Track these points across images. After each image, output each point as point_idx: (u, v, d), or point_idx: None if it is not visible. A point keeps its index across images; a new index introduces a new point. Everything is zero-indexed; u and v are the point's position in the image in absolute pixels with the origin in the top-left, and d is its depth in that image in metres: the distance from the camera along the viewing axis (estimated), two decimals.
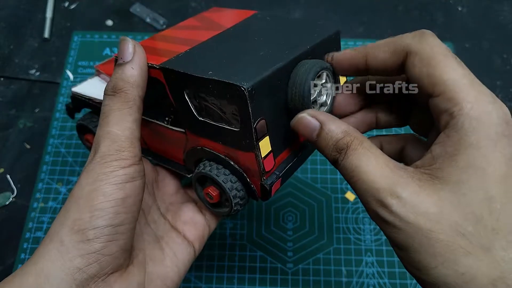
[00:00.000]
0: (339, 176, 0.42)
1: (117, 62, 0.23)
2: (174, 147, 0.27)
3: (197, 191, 0.27)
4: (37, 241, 0.39)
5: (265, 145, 0.22)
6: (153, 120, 0.27)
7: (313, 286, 0.37)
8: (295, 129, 0.22)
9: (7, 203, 0.41)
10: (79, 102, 0.32)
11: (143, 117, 0.25)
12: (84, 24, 0.52)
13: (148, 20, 0.51)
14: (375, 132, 0.44)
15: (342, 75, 0.26)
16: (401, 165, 0.19)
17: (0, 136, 0.45)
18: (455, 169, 0.17)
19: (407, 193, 0.18)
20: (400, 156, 0.25)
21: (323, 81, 0.24)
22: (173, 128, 0.26)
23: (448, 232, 0.17)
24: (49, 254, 0.19)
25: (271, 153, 0.23)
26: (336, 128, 0.21)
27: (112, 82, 0.23)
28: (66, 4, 0.53)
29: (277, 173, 0.24)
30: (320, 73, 0.23)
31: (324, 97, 0.24)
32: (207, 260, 0.38)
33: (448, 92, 0.18)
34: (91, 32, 0.51)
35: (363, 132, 0.25)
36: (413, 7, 0.53)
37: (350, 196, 0.41)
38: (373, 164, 0.19)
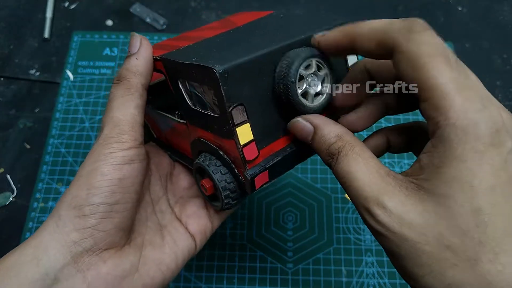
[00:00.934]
0: None
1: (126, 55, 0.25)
2: (184, 140, 0.27)
3: (198, 183, 0.26)
4: None
5: (244, 133, 0.21)
6: (167, 115, 0.27)
7: (313, 286, 0.37)
8: (291, 132, 0.22)
9: (7, 203, 0.41)
10: None
11: (162, 113, 0.26)
12: (84, 24, 0.52)
13: (148, 20, 0.51)
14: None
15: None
16: (392, 172, 0.19)
17: (0, 136, 0.45)
18: (440, 182, 0.17)
19: (392, 203, 0.18)
20: (409, 147, 0.24)
21: (312, 70, 0.22)
22: (179, 120, 0.26)
23: (434, 244, 0.17)
24: (48, 228, 0.21)
25: (253, 142, 0.22)
26: (328, 133, 0.20)
27: (118, 72, 0.24)
28: (66, 4, 0.53)
29: (263, 164, 0.22)
30: (307, 62, 0.22)
31: (319, 86, 0.23)
32: (207, 260, 0.38)
33: (434, 98, 0.17)
34: (91, 32, 0.51)
35: (375, 120, 0.24)
36: (413, 7, 0.53)
37: None
38: (362, 171, 0.19)
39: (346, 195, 0.41)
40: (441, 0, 0.53)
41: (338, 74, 0.24)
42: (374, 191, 0.18)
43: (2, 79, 0.49)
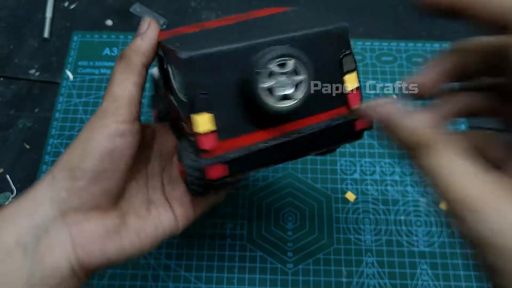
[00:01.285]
0: (339, 176, 0.42)
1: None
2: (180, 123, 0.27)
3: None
4: None
5: (204, 121, 0.21)
6: (172, 99, 0.26)
7: (313, 287, 0.37)
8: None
9: (6, 203, 0.41)
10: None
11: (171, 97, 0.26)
12: (84, 24, 0.52)
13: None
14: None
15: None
16: (493, 171, 0.17)
17: (0, 136, 0.45)
18: None
19: (496, 210, 0.15)
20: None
21: (287, 70, 0.21)
22: (174, 101, 0.26)
23: None
24: (43, 185, 0.23)
25: (213, 132, 0.21)
26: (419, 120, 0.18)
27: (122, 51, 0.26)
28: (66, 4, 0.53)
29: (221, 157, 0.22)
30: (283, 60, 0.20)
31: (289, 90, 0.21)
32: (207, 261, 0.38)
33: None
34: (91, 32, 0.51)
35: (456, 117, 0.21)
36: (413, 7, 0.53)
37: (350, 196, 0.41)
38: (456, 170, 0.16)
39: (347, 195, 0.41)
40: None
41: (325, 80, 0.23)
42: (472, 194, 0.16)
43: (1, 79, 0.49)
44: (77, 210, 0.23)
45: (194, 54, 0.20)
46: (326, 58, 0.23)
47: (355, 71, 0.23)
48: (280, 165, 0.42)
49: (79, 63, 0.48)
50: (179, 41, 0.23)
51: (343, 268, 0.38)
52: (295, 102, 0.21)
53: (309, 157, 0.43)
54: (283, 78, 0.21)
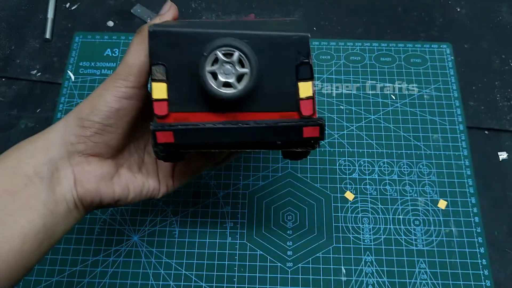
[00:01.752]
0: (338, 175, 0.42)
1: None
2: None
3: None
4: None
5: (159, 89, 0.24)
6: None
7: (312, 285, 0.38)
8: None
9: None
10: None
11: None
12: (85, 25, 0.52)
13: (149, 21, 0.52)
14: None
15: None
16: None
17: (2, 136, 0.45)
18: None
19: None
20: None
21: (231, 60, 0.23)
22: None
23: None
24: (57, 127, 0.27)
25: (165, 101, 0.24)
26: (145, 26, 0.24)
27: (141, 26, 0.28)
28: (67, 4, 0.54)
29: (170, 125, 0.24)
30: (229, 50, 0.23)
31: (231, 78, 0.23)
32: (208, 259, 0.39)
33: None
34: (92, 33, 0.51)
35: None
36: (412, 8, 0.53)
37: (349, 195, 0.41)
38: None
39: (346, 195, 0.41)
40: (440, 0, 0.54)
41: (277, 81, 0.24)
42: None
43: (3, 79, 0.49)
44: (81, 154, 0.27)
45: (158, 29, 0.24)
46: (284, 62, 0.24)
47: (311, 81, 0.24)
48: (280, 165, 0.43)
49: (81, 64, 0.49)
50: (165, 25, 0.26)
51: (342, 267, 0.38)
52: (236, 91, 0.23)
53: (308, 157, 0.43)
54: (227, 67, 0.23)
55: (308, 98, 0.24)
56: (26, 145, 0.27)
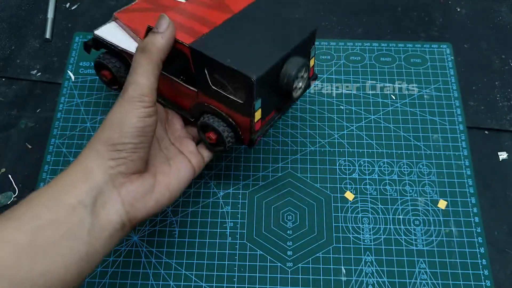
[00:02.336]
0: (338, 175, 0.42)
1: (152, 30, 0.31)
2: (183, 98, 0.36)
3: (200, 134, 0.36)
4: None
5: (258, 115, 0.32)
6: (169, 76, 0.35)
7: (312, 285, 0.38)
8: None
9: (8, 202, 0.42)
10: (99, 43, 0.40)
11: (162, 72, 0.33)
12: (85, 25, 0.52)
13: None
14: None
15: None
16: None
17: (2, 136, 0.45)
18: None
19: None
20: None
21: (303, 73, 0.33)
22: (187, 85, 0.35)
23: None
24: (89, 157, 0.28)
25: (260, 119, 0.33)
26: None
27: (144, 43, 0.31)
28: (67, 5, 0.54)
29: (260, 131, 0.34)
30: (302, 68, 0.32)
31: (300, 83, 0.33)
32: (208, 259, 0.39)
33: None
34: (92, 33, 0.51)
35: None
36: (412, 8, 0.53)
37: (349, 195, 0.41)
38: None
39: (346, 195, 0.41)
40: (440, 1, 0.54)
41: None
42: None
43: (3, 79, 0.49)
44: (122, 175, 0.29)
45: (259, 75, 0.29)
46: (304, 50, 0.34)
47: (314, 57, 0.36)
48: (280, 165, 0.43)
49: (81, 64, 0.49)
50: (213, 51, 0.31)
51: (342, 267, 0.38)
52: (302, 89, 0.34)
53: (308, 157, 0.43)
54: (300, 78, 0.33)
55: (312, 66, 0.37)
56: (63, 178, 0.28)
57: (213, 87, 0.32)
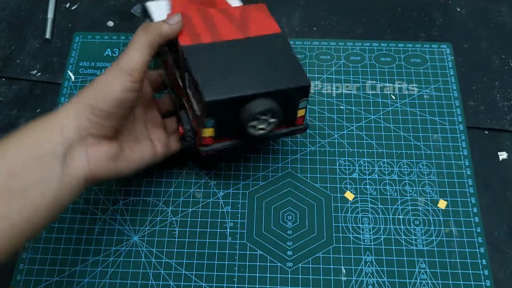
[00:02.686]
0: (338, 175, 0.42)
1: (165, 19, 0.34)
2: (179, 89, 0.38)
3: (178, 125, 0.39)
4: (39, 240, 0.39)
5: (208, 132, 0.34)
6: (175, 72, 0.38)
7: (312, 285, 0.38)
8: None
9: None
10: (146, 13, 0.41)
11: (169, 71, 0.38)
12: (85, 25, 0.52)
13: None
14: None
15: None
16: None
17: (2, 137, 0.45)
18: None
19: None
20: None
21: (267, 116, 0.33)
22: (179, 80, 0.37)
23: None
24: (67, 112, 0.30)
25: (211, 137, 0.35)
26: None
27: (150, 23, 0.34)
28: (67, 5, 0.54)
29: (211, 148, 0.35)
30: (263, 113, 0.33)
31: (262, 125, 0.34)
32: (208, 259, 0.39)
33: None
34: (92, 33, 0.51)
35: None
36: (412, 8, 0.53)
37: (349, 195, 0.41)
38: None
39: (346, 195, 0.41)
40: (440, 0, 0.54)
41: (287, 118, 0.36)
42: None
43: (3, 79, 0.49)
44: (93, 136, 0.31)
45: (212, 100, 0.31)
46: (291, 101, 0.35)
47: (305, 108, 0.36)
48: (280, 165, 0.43)
49: (81, 64, 0.49)
50: (197, 63, 0.33)
51: (342, 267, 0.38)
52: (266, 131, 0.34)
53: (308, 157, 0.43)
54: (262, 120, 0.33)
55: (301, 116, 0.37)
56: (43, 124, 0.30)
57: (187, 89, 0.35)
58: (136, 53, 0.32)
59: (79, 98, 0.31)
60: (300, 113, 0.36)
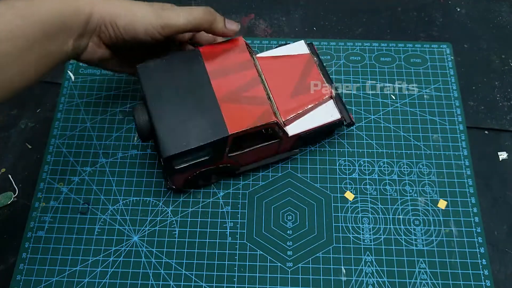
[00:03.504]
0: (338, 175, 0.42)
1: (225, 19, 0.37)
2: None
3: None
4: (39, 241, 0.39)
5: (179, 179, 0.38)
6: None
7: (312, 285, 0.38)
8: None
9: (9, 202, 0.42)
10: None
11: None
12: None
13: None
14: None
15: None
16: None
17: (2, 136, 0.45)
18: None
19: None
20: None
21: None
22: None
23: None
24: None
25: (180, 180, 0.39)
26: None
27: (217, 13, 0.36)
28: None
29: (178, 185, 0.40)
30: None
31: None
32: (208, 259, 0.39)
33: None
34: None
35: None
36: (412, 8, 0.53)
37: (349, 195, 0.41)
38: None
39: (346, 195, 0.41)
40: (440, 0, 0.54)
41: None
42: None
43: None
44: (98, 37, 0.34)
45: (171, 155, 0.34)
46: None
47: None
48: (280, 165, 0.43)
49: (81, 64, 0.49)
50: (159, 114, 0.35)
51: (342, 267, 0.38)
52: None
53: (308, 157, 0.43)
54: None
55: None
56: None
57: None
58: (183, 14, 0.33)
59: None
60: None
